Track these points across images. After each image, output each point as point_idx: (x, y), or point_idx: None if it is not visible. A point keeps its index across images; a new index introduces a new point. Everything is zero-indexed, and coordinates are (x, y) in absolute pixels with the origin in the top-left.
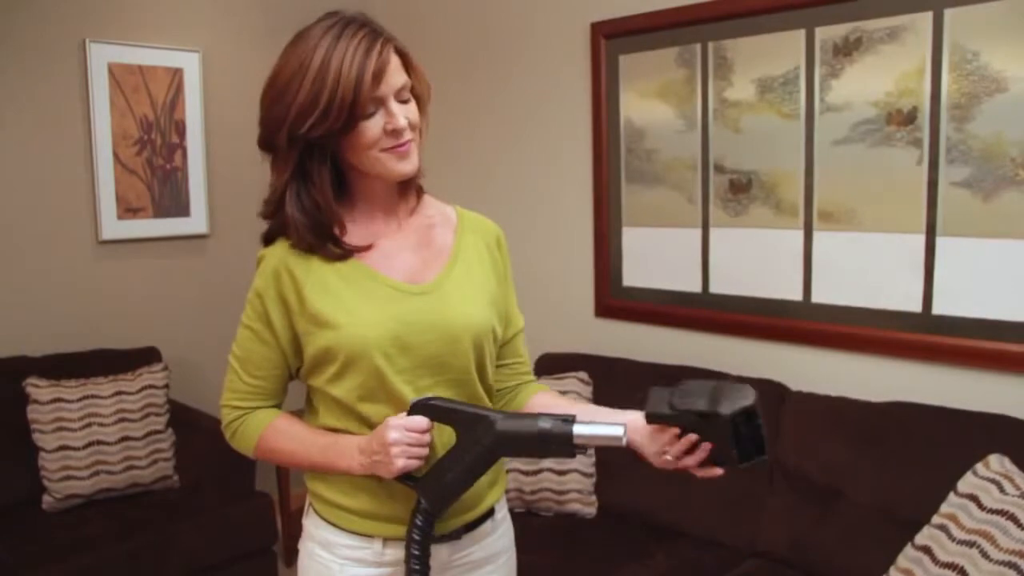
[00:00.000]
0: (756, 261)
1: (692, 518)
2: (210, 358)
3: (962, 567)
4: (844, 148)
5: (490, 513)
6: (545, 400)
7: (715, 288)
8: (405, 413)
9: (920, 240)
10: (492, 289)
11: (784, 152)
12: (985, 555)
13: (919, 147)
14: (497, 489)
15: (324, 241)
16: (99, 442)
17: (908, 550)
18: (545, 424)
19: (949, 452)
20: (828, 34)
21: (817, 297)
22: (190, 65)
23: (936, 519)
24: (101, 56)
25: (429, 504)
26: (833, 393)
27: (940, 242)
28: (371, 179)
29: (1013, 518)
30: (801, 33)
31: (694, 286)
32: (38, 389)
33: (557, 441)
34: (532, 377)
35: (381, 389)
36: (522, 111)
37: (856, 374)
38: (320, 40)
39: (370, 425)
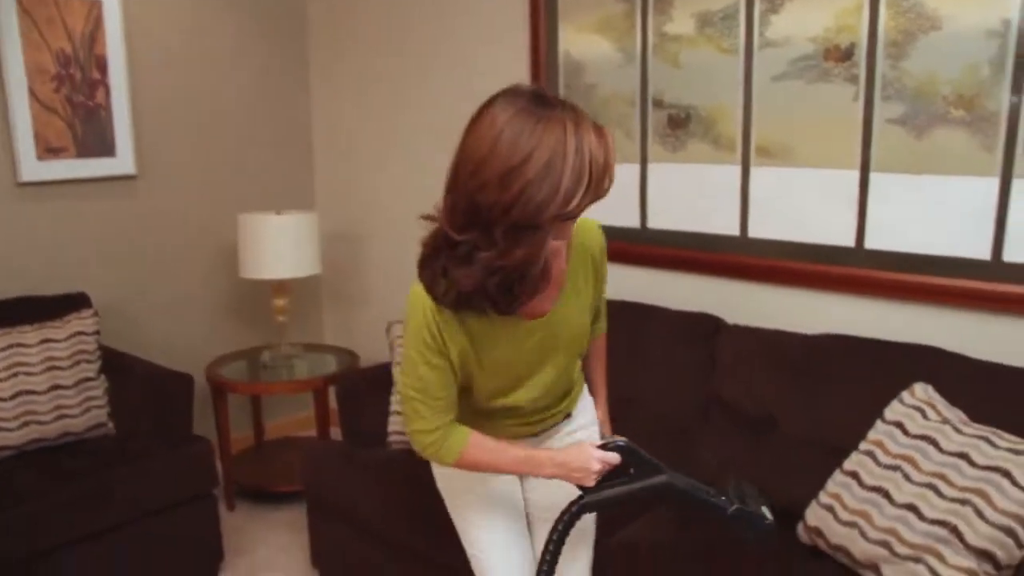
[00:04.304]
0: (694, 196)
1: None
2: (142, 302)
3: (886, 490)
4: (782, 84)
5: (568, 416)
6: (590, 352)
7: (653, 223)
8: (601, 443)
9: (855, 176)
10: (592, 297)
11: (723, 87)
12: (907, 478)
13: (855, 84)
14: (569, 401)
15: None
16: (27, 392)
17: (837, 475)
18: (710, 498)
19: (878, 382)
20: None
21: (754, 232)
22: None
23: (864, 445)
24: None
25: (589, 500)
26: (768, 326)
27: (874, 178)
28: None
29: (934, 442)
30: None
31: (632, 221)
32: None
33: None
34: (601, 323)
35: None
36: (459, 47)
37: (791, 307)
38: (565, 118)
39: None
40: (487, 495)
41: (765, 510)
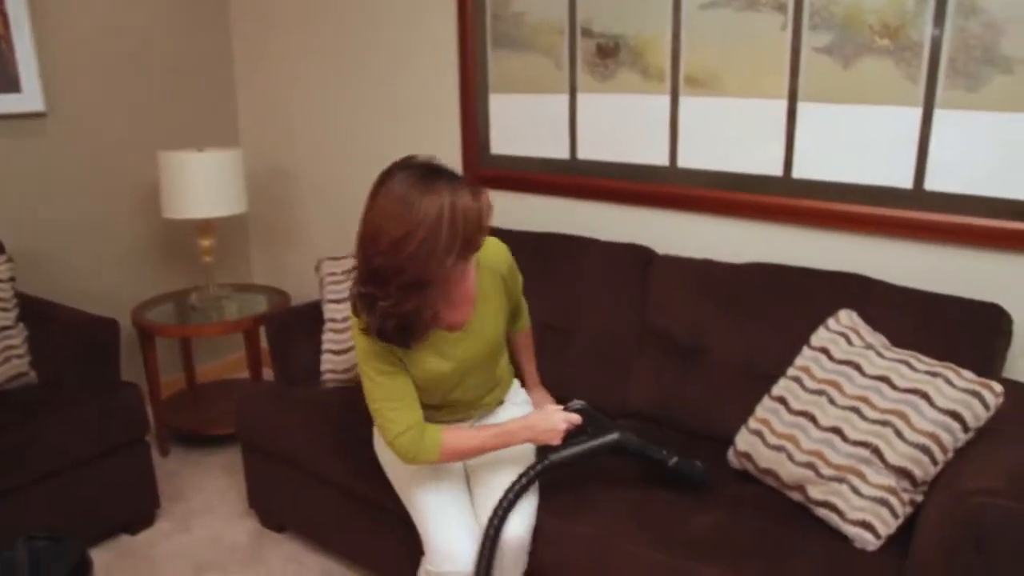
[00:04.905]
0: (623, 127)
1: (566, 382)
2: (60, 246)
3: (812, 414)
4: (711, 12)
5: (501, 403)
6: (517, 343)
7: (583, 154)
8: (563, 407)
9: (782, 105)
10: (505, 308)
11: (652, 16)
12: (832, 402)
13: (783, 12)
14: (500, 391)
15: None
16: None
17: (765, 401)
18: (655, 453)
19: (805, 309)
20: None
21: (683, 162)
22: None
23: (791, 371)
24: None
25: (554, 455)
26: (698, 256)
27: (801, 107)
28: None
29: (857, 367)
30: None
31: (562, 153)
32: None
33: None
34: (524, 320)
35: (449, 389)
36: None
37: (721, 237)
38: (442, 194)
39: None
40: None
41: (697, 462)
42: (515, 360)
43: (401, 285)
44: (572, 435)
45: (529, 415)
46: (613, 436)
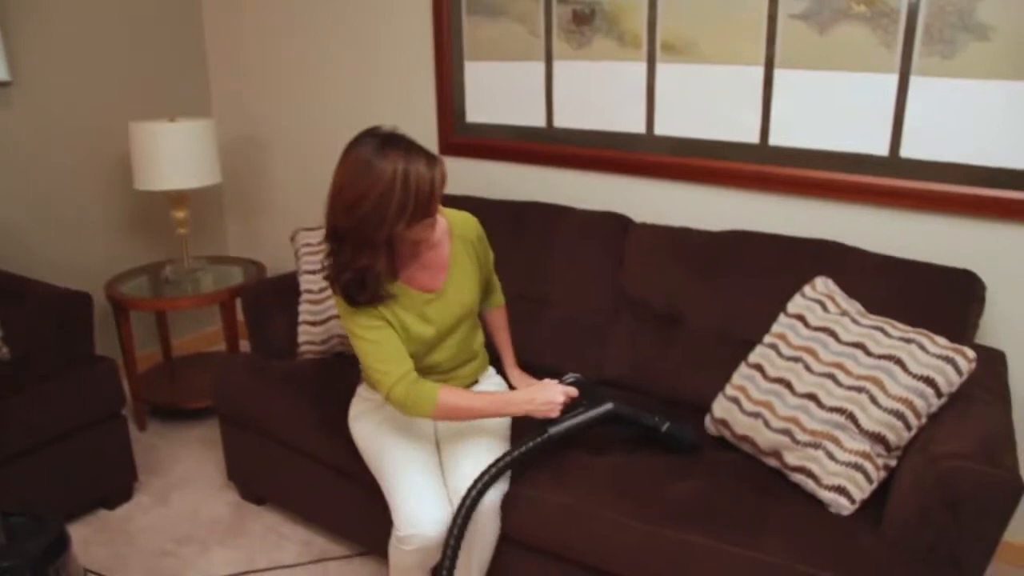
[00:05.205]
0: (600, 94)
1: (541, 348)
2: (30, 220)
3: (788, 381)
4: None
5: (476, 381)
6: (492, 322)
7: (559, 122)
8: (558, 380)
9: (759, 72)
10: (477, 275)
11: None
12: (808, 368)
13: None
14: (475, 368)
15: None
16: None
17: (742, 368)
18: (648, 420)
19: (782, 276)
20: None
21: (660, 130)
22: None
23: (767, 338)
24: None
25: (554, 428)
26: (675, 223)
27: (778, 74)
28: (410, 240)
29: (833, 334)
30: None
31: (538, 121)
32: None
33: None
34: (497, 295)
35: (426, 351)
36: None
37: (697, 205)
38: (396, 161)
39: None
40: (397, 429)
41: (688, 428)
42: (492, 341)
43: (356, 243)
44: (568, 408)
45: (531, 388)
46: (608, 406)
